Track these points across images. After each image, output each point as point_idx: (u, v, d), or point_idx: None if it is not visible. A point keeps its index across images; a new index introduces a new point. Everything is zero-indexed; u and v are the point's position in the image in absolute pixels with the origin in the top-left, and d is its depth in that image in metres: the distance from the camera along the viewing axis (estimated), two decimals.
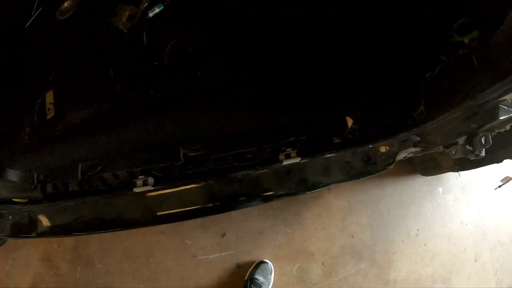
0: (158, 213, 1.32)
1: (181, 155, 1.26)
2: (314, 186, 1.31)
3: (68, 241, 2.06)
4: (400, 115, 1.47)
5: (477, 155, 1.36)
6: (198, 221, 1.93)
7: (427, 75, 1.42)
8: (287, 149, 1.30)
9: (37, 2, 1.55)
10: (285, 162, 1.26)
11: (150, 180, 1.28)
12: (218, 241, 1.92)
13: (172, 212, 1.32)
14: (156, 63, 1.42)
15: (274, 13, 1.48)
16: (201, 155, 1.32)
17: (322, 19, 1.49)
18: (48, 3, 1.55)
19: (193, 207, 1.31)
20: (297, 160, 1.26)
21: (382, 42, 1.48)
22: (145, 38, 1.45)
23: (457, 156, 1.39)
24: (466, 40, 1.39)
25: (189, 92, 1.39)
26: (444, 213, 2.14)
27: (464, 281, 2.38)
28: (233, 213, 1.89)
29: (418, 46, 1.52)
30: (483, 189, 2.29)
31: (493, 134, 1.43)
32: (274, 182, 1.31)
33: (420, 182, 2.07)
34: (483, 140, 1.32)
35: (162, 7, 1.46)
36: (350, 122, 1.41)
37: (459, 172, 2.00)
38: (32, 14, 1.55)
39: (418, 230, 2.07)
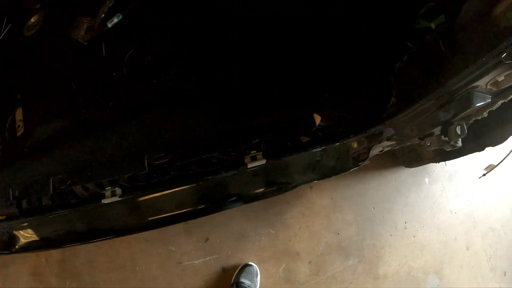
0: (130, 222, 1.29)
1: (146, 164, 1.22)
2: (282, 188, 1.25)
3: (55, 254, 2.02)
4: (371, 108, 1.38)
5: (453, 146, 1.29)
6: (180, 226, 1.86)
7: (396, 65, 1.32)
8: (252, 152, 1.22)
9: (6, 19, 1.54)
10: (251, 165, 1.19)
11: (118, 190, 1.24)
12: (202, 246, 1.84)
13: (144, 221, 1.30)
14: (114, 74, 1.38)
15: (233, 11, 1.40)
16: (166, 162, 1.27)
17: (283, 16, 1.40)
18: (16, 20, 1.54)
19: (162, 215, 1.28)
20: (263, 162, 1.18)
21: (348, 34, 1.39)
22: (104, 49, 1.41)
23: (433, 148, 1.31)
24: (433, 26, 1.31)
25: (147, 101, 1.35)
26: (432, 204, 2.06)
27: (457, 270, 2.30)
28: (215, 217, 1.81)
29: (386, 36, 1.43)
30: (470, 177, 2.21)
31: (470, 122, 1.35)
32: (241, 186, 1.26)
33: (405, 174, 1.99)
34: (458, 129, 1.24)
35: (120, 17, 1.41)
36: (318, 119, 1.34)
37: (445, 161, 1.91)
38: (2, 31, 1.53)
39: (406, 223, 1.98)
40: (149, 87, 1.34)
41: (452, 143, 1.26)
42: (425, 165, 1.98)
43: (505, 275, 2.81)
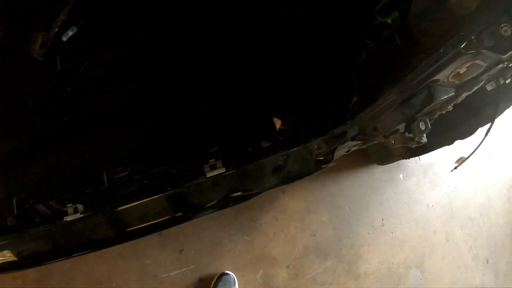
0: (97, 237, 1.22)
1: (105, 179, 1.16)
2: (245, 196, 1.19)
3: (31, 275, 1.91)
4: (333, 109, 1.32)
5: (418, 142, 1.24)
6: (154, 239, 1.77)
7: (356, 63, 1.26)
8: (211, 160, 1.14)
9: None
10: (210, 174, 1.13)
11: (80, 207, 1.18)
12: (177, 257, 1.76)
13: (110, 235, 1.23)
14: (69, 88, 1.32)
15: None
16: (126, 176, 1.23)
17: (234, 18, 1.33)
18: None
19: (128, 228, 1.22)
20: (222, 170, 1.11)
21: (306, 34, 1.33)
22: (59, 64, 1.35)
23: (397, 146, 1.25)
24: (389, 21, 1.25)
25: (104, 114, 1.30)
26: (408, 199, 2.01)
27: (439, 262, 2.26)
28: (188, 227, 1.73)
29: (345, 34, 1.37)
30: (445, 169, 2.16)
31: (435, 117, 1.30)
32: (203, 195, 1.20)
33: (379, 171, 1.93)
34: (422, 125, 1.19)
35: (75, 30, 1.35)
36: (278, 123, 1.29)
37: (419, 156, 1.85)
38: None
39: (383, 220, 1.92)
40: (104, 100, 1.28)
41: (416, 139, 1.21)
42: (398, 161, 1.92)
43: (487, 262, 2.79)
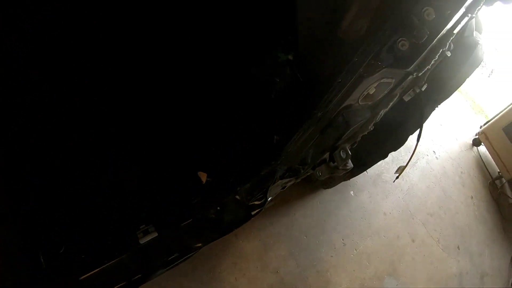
0: None
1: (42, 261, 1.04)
2: (184, 255, 1.09)
3: None
4: (257, 151, 1.22)
5: (344, 169, 1.16)
6: None
7: (271, 102, 1.19)
8: (142, 226, 1.05)
9: None
10: (143, 240, 1.06)
11: None
12: None
13: None
14: None
15: None
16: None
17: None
18: None
19: None
20: (155, 235, 1.02)
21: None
22: None
23: (325, 177, 1.16)
24: (290, 57, 1.18)
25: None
26: (363, 213, 1.92)
27: (410, 264, 2.18)
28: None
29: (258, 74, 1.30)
30: (394, 175, 2.08)
31: (357, 139, 1.23)
32: (139, 263, 1.08)
33: (329, 193, 1.84)
34: (342, 154, 1.12)
35: None
36: (204, 177, 1.18)
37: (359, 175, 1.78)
38: None
39: (343, 239, 1.82)
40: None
41: (341, 167, 1.14)
42: None
43: (459, 249, 2.73)
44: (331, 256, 1.81)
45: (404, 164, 1.53)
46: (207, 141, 1.23)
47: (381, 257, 2.01)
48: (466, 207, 2.98)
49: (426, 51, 0.83)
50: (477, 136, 3.85)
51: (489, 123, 3.82)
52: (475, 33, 1.35)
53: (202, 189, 1.20)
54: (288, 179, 1.25)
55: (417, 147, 1.40)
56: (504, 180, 3.79)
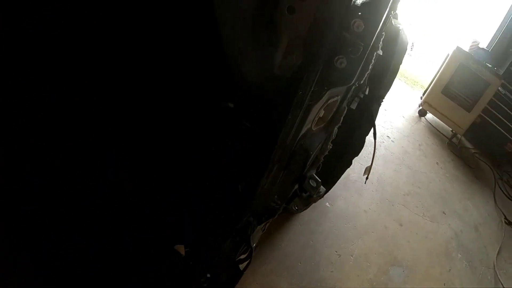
0: None
1: None
2: None
3: None
4: (228, 208, 1.20)
5: (318, 197, 1.15)
6: None
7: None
8: None
9: None
10: None
11: None
12: None
13: None
14: None
15: None
16: None
17: None
18: None
19: None
20: None
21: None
22: None
23: (301, 210, 1.15)
24: (231, 105, 1.19)
25: None
26: (345, 219, 1.92)
27: (408, 246, 2.20)
28: None
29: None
30: (361, 172, 2.11)
31: (321, 161, 1.24)
32: None
33: (306, 213, 1.84)
34: (312, 182, 1.11)
35: None
36: (181, 249, 1.13)
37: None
38: None
39: (336, 251, 1.80)
40: None
41: (314, 196, 1.13)
42: None
43: (445, 213, 2.78)
44: (332, 271, 1.77)
45: (369, 164, 1.56)
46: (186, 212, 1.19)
47: (378, 252, 1.99)
48: (436, 173, 3.08)
49: (363, 61, 0.82)
50: (421, 107, 4.05)
51: (427, 92, 4.05)
52: (393, 20, 1.37)
53: (185, 260, 1.15)
54: (266, 221, 1.23)
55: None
56: (459, 136, 3.98)
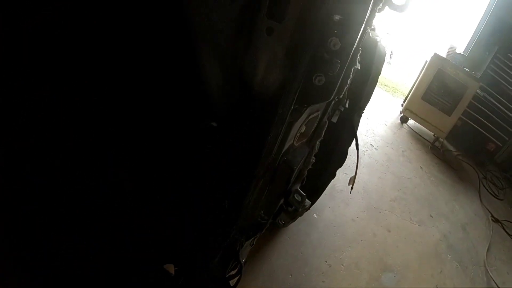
0: None
1: None
2: None
3: None
4: (213, 228, 1.19)
5: (304, 210, 1.16)
6: None
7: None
8: None
9: None
10: None
11: None
12: None
13: None
14: None
15: None
16: None
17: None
18: None
19: None
20: None
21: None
22: None
23: (288, 224, 1.16)
24: (214, 124, 1.21)
25: None
26: (333, 229, 1.94)
27: (397, 251, 2.22)
28: None
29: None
30: (346, 183, 2.14)
31: (305, 175, 1.25)
32: None
33: (294, 225, 1.86)
34: (297, 197, 1.13)
35: None
36: (171, 268, 1.12)
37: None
38: None
39: (326, 261, 1.80)
40: None
41: (300, 209, 1.14)
42: None
43: (432, 216, 2.81)
44: (323, 281, 1.77)
45: (353, 174, 1.59)
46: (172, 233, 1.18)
47: (368, 259, 2.00)
48: (420, 178, 3.13)
49: (341, 77, 0.83)
50: (402, 114, 4.14)
51: (408, 98, 4.15)
52: (370, 33, 1.39)
53: (175, 279, 1.14)
54: (254, 236, 1.23)
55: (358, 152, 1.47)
56: (441, 140, 4.07)
